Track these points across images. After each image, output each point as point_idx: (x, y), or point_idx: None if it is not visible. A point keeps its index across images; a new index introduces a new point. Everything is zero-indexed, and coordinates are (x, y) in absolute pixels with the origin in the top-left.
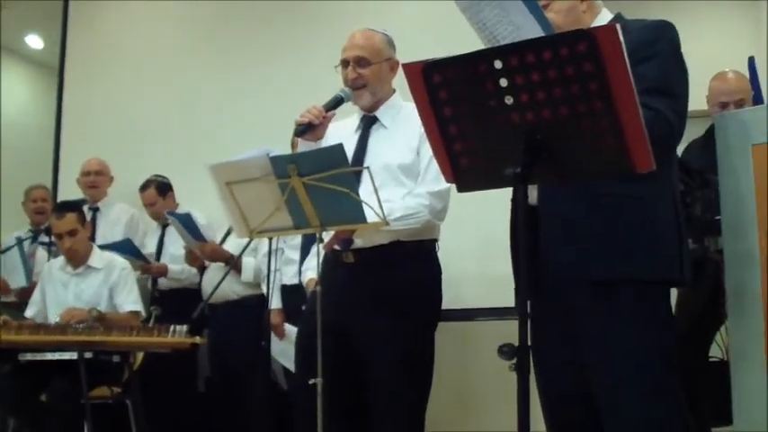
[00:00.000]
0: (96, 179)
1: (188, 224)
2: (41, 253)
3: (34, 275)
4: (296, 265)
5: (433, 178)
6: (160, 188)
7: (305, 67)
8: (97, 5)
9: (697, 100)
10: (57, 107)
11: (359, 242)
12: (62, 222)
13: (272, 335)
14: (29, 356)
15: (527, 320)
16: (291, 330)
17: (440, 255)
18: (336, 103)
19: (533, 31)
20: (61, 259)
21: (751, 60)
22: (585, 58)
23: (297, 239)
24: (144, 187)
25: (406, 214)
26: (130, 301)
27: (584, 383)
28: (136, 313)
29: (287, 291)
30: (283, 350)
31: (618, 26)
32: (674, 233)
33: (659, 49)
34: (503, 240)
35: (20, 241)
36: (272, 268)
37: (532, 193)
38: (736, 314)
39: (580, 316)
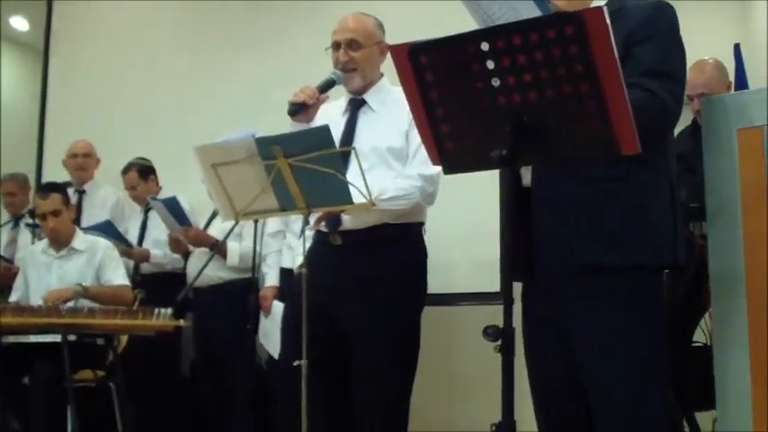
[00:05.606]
0: (84, 161)
1: (173, 208)
2: (25, 236)
3: (16, 260)
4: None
5: (423, 162)
6: (141, 171)
7: (295, 51)
8: None
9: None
10: (41, 89)
11: (347, 223)
12: (46, 202)
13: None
14: (11, 339)
15: (512, 302)
16: (278, 306)
17: (427, 239)
18: (329, 84)
19: (531, 13)
20: (43, 242)
21: (736, 47)
22: (572, 41)
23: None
24: (125, 170)
25: (397, 195)
26: (119, 275)
27: (572, 368)
28: (126, 287)
29: (285, 273)
30: (266, 333)
31: (605, 9)
32: (670, 218)
33: (658, 29)
34: (490, 225)
35: None
36: (258, 251)
37: (527, 175)
38: (720, 299)
39: (571, 301)
